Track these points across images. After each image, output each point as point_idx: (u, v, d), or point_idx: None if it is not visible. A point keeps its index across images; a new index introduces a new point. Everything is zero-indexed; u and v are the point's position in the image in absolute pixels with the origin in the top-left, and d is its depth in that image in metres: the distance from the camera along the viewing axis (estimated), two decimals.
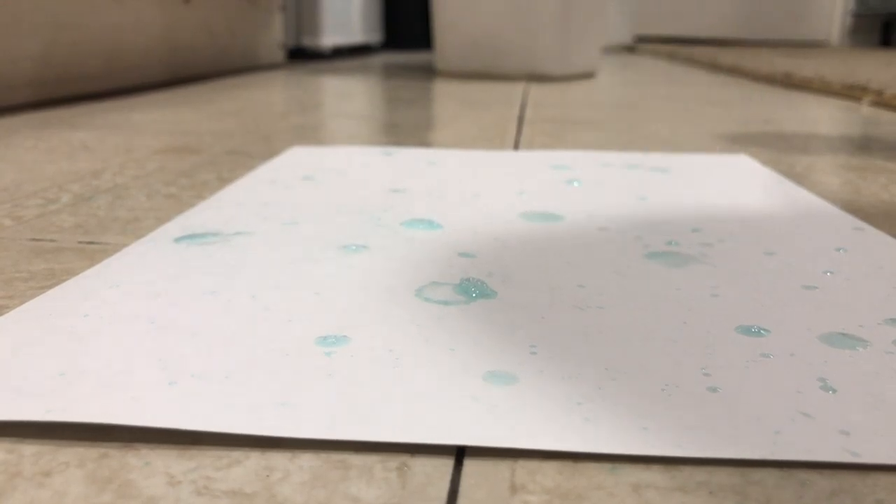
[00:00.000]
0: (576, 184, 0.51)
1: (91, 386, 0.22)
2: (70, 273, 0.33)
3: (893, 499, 0.18)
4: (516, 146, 0.68)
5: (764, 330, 0.27)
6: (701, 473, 0.19)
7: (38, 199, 0.46)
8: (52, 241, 0.37)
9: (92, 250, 0.36)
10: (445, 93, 1.20)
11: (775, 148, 0.68)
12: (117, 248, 0.36)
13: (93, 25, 1.03)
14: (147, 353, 0.24)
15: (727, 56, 2.01)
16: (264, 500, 0.18)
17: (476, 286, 0.31)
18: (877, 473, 0.19)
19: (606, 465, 0.19)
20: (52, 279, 0.32)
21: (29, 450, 0.20)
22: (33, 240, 0.38)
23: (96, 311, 0.28)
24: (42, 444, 0.20)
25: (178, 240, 0.37)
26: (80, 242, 0.37)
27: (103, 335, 0.26)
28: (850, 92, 1.14)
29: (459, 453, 0.20)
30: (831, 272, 0.33)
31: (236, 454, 0.20)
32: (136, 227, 0.40)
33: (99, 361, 0.24)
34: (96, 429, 0.20)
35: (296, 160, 0.58)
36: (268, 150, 0.64)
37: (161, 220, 0.41)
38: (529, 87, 1.29)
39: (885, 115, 0.94)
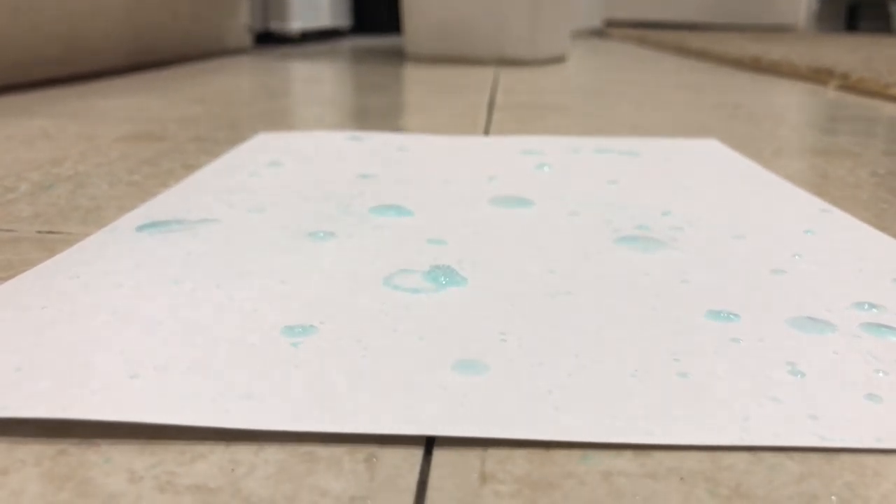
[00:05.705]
0: (546, 169, 0.51)
1: (49, 381, 0.21)
2: (28, 264, 0.32)
3: (861, 481, 0.18)
4: (486, 131, 0.68)
5: (733, 315, 0.27)
6: (671, 459, 0.19)
7: None
8: (9, 231, 0.36)
9: (51, 240, 0.35)
10: (415, 77, 1.20)
11: (744, 132, 0.69)
12: (78, 237, 0.35)
13: (51, 8, 1.00)
14: (108, 346, 0.24)
15: (696, 40, 2.02)
16: (229, 495, 0.17)
17: (445, 273, 0.30)
18: (844, 456, 0.19)
19: (577, 453, 0.19)
20: (10, 270, 0.31)
21: None
22: None
23: (55, 303, 0.27)
24: None
25: (140, 228, 0.36)
26: (39, 232, 0.36)
27: (62, 328, 0.25)
28: (817, 76, 1.15)
29: (429, 443, 0.20)
30: (799, 255, 0.33)
31: (200, 448, 0.19)
32: (97, 217, 0.39)
33: (57, 355, 0.23)
34: (54, 425, 0.20)
35: (262, 146, 0.57)
36: (234, 136, 0.63)
37: (123, 209, 0.40)
38: (500, 72, 1.28)
39: (850, 99, 0.95)
